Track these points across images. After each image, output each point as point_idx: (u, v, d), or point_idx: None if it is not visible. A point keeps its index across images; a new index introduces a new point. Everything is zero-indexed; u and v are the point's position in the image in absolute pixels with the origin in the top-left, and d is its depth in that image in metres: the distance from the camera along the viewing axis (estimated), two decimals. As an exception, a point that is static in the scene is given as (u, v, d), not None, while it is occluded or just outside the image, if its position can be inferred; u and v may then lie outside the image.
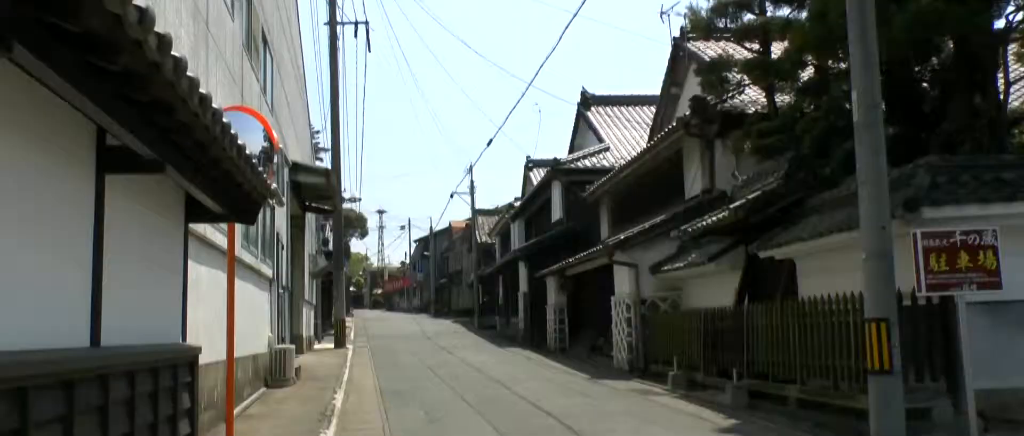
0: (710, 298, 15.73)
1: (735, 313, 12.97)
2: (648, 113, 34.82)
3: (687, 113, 18.19)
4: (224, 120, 4.60)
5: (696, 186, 18.85)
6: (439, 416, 11.09)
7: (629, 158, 26.09)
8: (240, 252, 12.02)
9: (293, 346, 15.91)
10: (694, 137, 18.42)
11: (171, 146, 4.26)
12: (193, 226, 8.54)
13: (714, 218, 13.59)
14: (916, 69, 12.31)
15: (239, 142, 4.87)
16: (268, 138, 6.74)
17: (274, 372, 15.13)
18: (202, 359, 9.51)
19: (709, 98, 18.02)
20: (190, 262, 8.58)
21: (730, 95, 18.35)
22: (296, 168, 19.76)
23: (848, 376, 9.42)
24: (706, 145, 18.37)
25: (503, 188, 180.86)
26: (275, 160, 6.66)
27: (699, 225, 14.21)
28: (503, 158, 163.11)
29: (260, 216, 14.69)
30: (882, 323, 7.87)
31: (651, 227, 17.88)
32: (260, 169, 5.58)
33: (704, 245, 16.24)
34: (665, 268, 17.02)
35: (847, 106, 12.82)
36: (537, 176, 42.04)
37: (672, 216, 17.98)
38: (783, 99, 17.30)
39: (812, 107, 15.16)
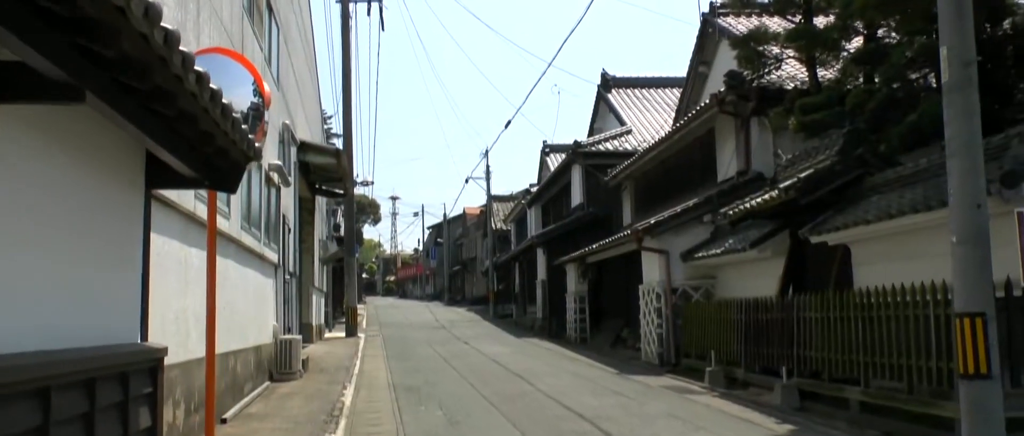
0: (747, 287, 14.56)
1: (781, 304, 11.80)
2: (671, 95, 33.64)
3: (721, 90, 16.98)
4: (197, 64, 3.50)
5: (730, 168, 17.65)
6: (459, 417, 9.98)
7: (652, 141, 24.93)
8: (240, 234, 10.94)
9: (300, 337, 14.86)
10: (728, 115, 17.22)
11: (104, 74, 3.14)
12: (181, 201, 7.47)
13: (758, 200, 12.41)
14: (987, 32, 11.06)
15: (213, 87, 3.74)
16: (259, 92, 5.59)
17: (280, 364, 14.09)
18: (193, 354, 8.46)
19: (745, 73, 16.81)
20: (175, 242, 7.51)
21: (767, 70, 17.14)
22: (305, 148, 18.67)
23: (927, 378, 8.24)
24: (741, 124, 17.17)
25: (518, 175, 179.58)
26: (265, 117, 5.52)
27: (740, 208, 13.04)
28: (518, 145, 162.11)
29: (264, 196, 13.65)
30: (977, 319, 6.71)
31: (683, 211, 16.70)
32: (245, 126, 4.46)
33: (742, 230, 15.06)
34: (698, 255, 15.84)
35: (911, 76, 11.65)
36: (554, 161, 40.87)
37: (705, 199, 16.80)
38: (826, 75, 16.12)
39: (862, 79, 13.97)
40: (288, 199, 16.76)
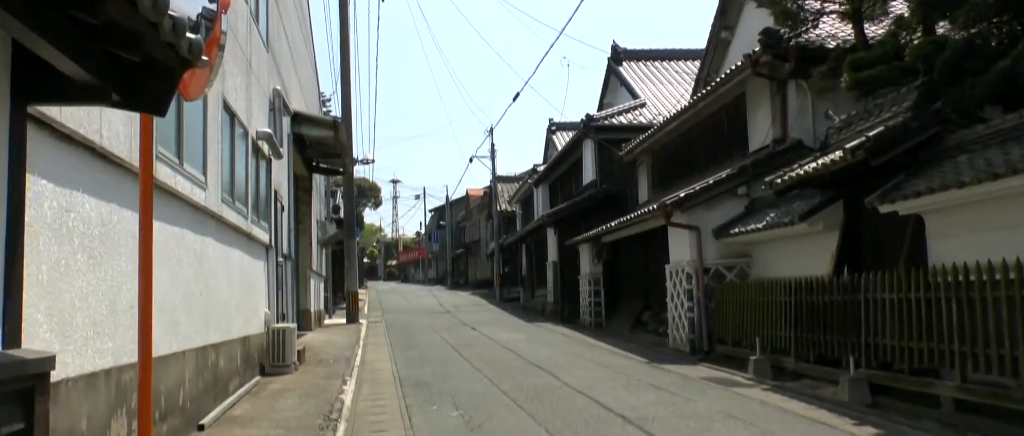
0: (789, 266, 13.08)
1: (841, 284, 10.32)
2: (686, 67, 32.11)
3: (754, 50, 15.41)
4: None
5: (763, 136, 16.12)
6: (480, 419, 8.50)
7: (669, 115, 23.39)
8: (222, 208, 9.44)
9: (295, 325, 13.40)
10: (762, 77, 15.66)
11: None
12: (110, 147, 5.96)
13: (814, 165, 10.89)
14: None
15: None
16: (215, -5, 4.08)
17: (272, 356, 12.63)
18: (159, 349, 6.99)
19: (782, 31, 15.24)
20: (92, 200, 5.99)
21: (805, 28, 15.55)
22: (300, 119, 17.15)
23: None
24: (777, 87, 15.62)
25: (522, 157, 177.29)
26: (224, 27, 4.00)
27: (790, 175, 11.52)
28: (522, 125, 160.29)
29: (252, 168, 12.14)
30: None
31: (715, 183, 15.17)
32: (188, 31, 2.95)
33: (783, 203, 13.57)
34: (734, 231, 14.33)
35: (999, 19, 10.11)
36: (561, 140, 39.34)
37: (739, 170, 15.28)
38: (876, 31, 14.58)
39: (920, 31, 12.43)
40: (281, 174, 15.26)
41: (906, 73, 11.95)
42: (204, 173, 8.46)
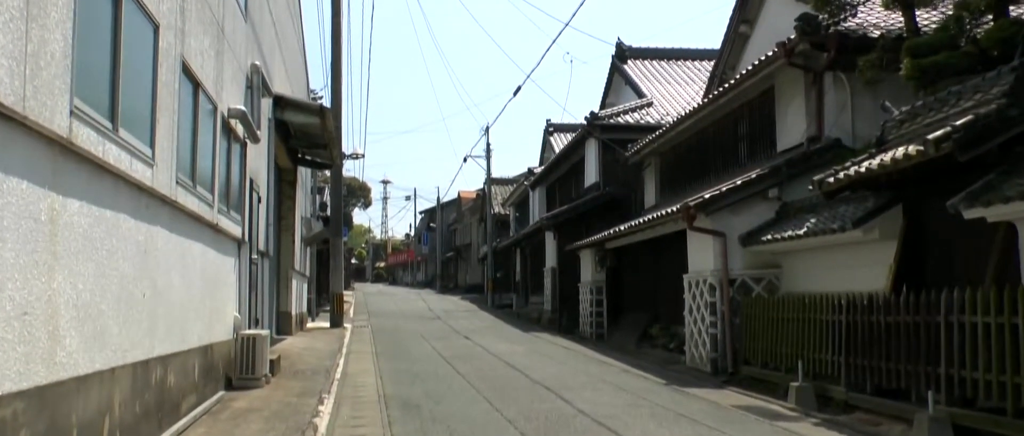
0: (830, 279, 11.54)
1: (910, 303, 8.76)
2: (695, 67, 30.67)
3: (789, 38, 13.86)
4: None
5: (795, 134, 14.58)
6: (482, 460, 6.88)
7: (678, 115, 21.87)
8: (176, 192, 7.80)
9: (267, 332, 11.73)
10: (797, 68, 14.12)
11: None
12: (32, 114, 4.36)
13: (877, 161, 9.34)
14: None
15: None
16: None
17: (241, 367, 10.99)
18: (76, 368, 5.38)
19: (821, 17, 13.70)
20: (24, 183, 4.40)
21: (845, 15, 14.02)
22: (283, 104, 15.52)
23: None
24: (813, 79, 14.08)
25: (516, 159, 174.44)
26: None
27: (844, 174, 9.97)
28: (518, 128, 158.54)
29: (220, 149, 10.46)
30: None
31: (743, 184, 13.59)
32: None
33: (826, 207, 12.03)
34: (767, 238, 12.75)
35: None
36: (558, 141, 37.82)
37: (770, 170, 13.71)
38: (928, 18, 13.10)
39: (988, 15, 10.94)
40: (259, 161, 13.62)
41: (975, 60, 10.45)
42: (151, 146, 6.83)
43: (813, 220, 11.75)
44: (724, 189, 13.61)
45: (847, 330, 9.90)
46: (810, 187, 10.94)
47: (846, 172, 9.94)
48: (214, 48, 9.63)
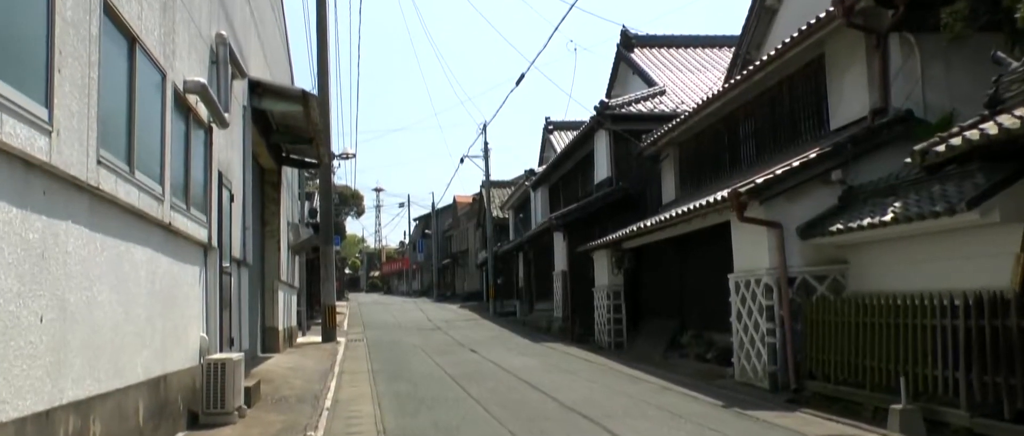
0: (918, 275, 9.52)
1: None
2: (708, 55, 28.75)
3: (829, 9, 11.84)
4: None
5: (854, 107, 12.56)
6: None
7: (694, 103, 19.88)
8: (100, 178, 5.75)
9: (241, 355, 9.64)
10: (856, 29, 12.09)
11: None
12: None
13: (1006, 122, 7.31)
14: None
15: None
16: None
17: (208, 400, 8.92)
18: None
19: (884, -31, 11.71)
20: None
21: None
22: (261, 91, 13.48)
23: None
24: (876, 42, 12.06)
25: (513, 161, 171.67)
26: None
27: (953, 141, 7.95)
28: (515, 129, 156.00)
29: (173, 130, 8.25)
30: None
31: (802, 166, 11.55)
32: None
33: (910, 188, 10.02)
34: (834, 228, 10.71)
35: None
36: (559, 140, 35.88)
37: (833, 148, 11.67)
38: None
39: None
40: (230, 152, 11.56)
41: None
42: (48, 106, 4.78)
43: (898, 204, 9.72)
44: (779, 172, 11.56)
45: (967, 339, 7.89)
46: (908, 159, 8.88)
47: (958, 139, 7.91)
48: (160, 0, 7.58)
